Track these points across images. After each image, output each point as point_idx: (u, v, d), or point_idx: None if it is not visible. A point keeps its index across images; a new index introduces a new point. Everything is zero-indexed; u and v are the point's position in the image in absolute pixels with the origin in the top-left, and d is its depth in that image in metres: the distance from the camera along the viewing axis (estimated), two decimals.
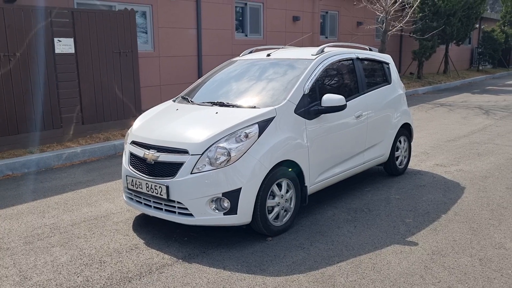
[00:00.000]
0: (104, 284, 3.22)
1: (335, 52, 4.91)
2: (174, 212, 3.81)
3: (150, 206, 3.97)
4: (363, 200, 4.90)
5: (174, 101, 4.93)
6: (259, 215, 3.78)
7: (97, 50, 7.59)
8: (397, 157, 5.73)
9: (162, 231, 4.11)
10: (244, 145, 3.74)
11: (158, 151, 3.87)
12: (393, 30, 13.73)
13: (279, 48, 5.54)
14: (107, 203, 4.89)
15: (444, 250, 3.68)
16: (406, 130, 5.86)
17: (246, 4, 12.53)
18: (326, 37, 15.80)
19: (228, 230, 4.10)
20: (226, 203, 3.69)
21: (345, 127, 4.71)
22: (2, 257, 3.67)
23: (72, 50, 7.27)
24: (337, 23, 16.21)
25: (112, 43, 7.77)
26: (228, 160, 3.67)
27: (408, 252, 3.66)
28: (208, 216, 3.70)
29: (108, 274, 3.37)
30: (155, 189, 3.81)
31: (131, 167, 4.10)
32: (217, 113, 4.16)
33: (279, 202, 3.97)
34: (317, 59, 4.64)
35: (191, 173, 3.68)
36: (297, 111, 4.16)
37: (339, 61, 4.92)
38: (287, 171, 4.01)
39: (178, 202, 3.74)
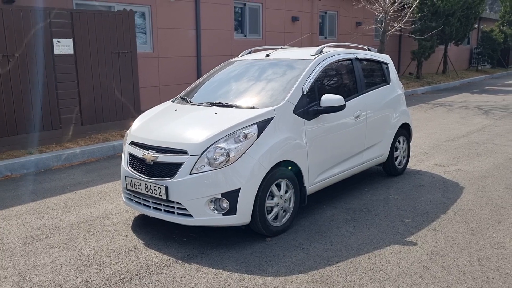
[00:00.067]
0: (103, 285, 3.22)
1: (334, 53, 4.91)
2: (173, 212, 3.81)
3: (149, 206, 3.97)
4: (362, 200, 4.90)
5: (173, 101, 4.93)
6: (258, 215, 3.78)
7: (96, 51, 7.59)
8: (396, 157, 5.74)
9: (161, 232, 4.11)
10: (243, 146, 3.74)
11: (157, 152, 3.87)
12: (392, 30, 13.74)
13: (278, 49, 5.55)
14: (106, 204, 4.89)
15: (443, 250, 3.69)
16: (405, 130, 5.86)
17: (245, 4, 12.54)
18: (325, 37, 15.80)
19: (227, 230, 4.10)
20: (225, 204, 3.69)
21: (344, 127, 4.72)
22: (1, 258, 3.67)
23: (71, 51, 7.27)
24: (336, 23, 16.22)
25: (111, 43, 7.77)
26: (227, 161, 3.67)
27: (407, 252, 3.66)
28: (207, 216, 3.70)
29: (107, 274, 3.37)
30: (154, 189, 3.81)
31: (130, 167, 4.10)
32: (216, 113, 4.16)
33: (278, 203, 3.97)
34: (316, 59, 4.64)
35: (190, 174, 3.68)
36: (296, 111, 4.16)
37: (338, 61, 4.92)
38: (286, 171, 4.02)
39: (177, 203, 3.74)
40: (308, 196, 4.38)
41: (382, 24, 13.88)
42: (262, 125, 3.90)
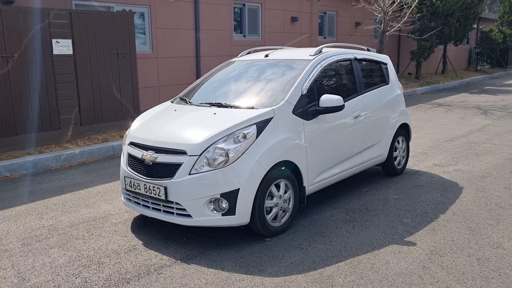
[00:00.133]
0: (102, 285, 3.22)
1: (333, 53, 4.91)
2: (173, 213, 3.81)
3: (149, 207, 3.98)
4: (361, 200, 4.90)
5: (172, 102, 4.93)
6: (257, 215, 3.79)
7: (95, 51, 7.59)
8: (395, 157, 5.74)
9: (160, 232, 4.11)
10: (242, 146, 3.74)
11: (156, 152, 3.87)
12: (391, 30, 13.75)
13: (277, 49, 5.55)
14: (105, 204, 4.89)
15: (442, 250, 3.69)
16: (404, 130, 5.87)
17: (244, 4, 12.54)
18: (325, 38, 15.81)
19: (227, 231, 4.10)
20: (225, 204, 3.70)
21: (343, 127, 4.72)
22: (0, 258, 3.66)
23: (70, 51, 7.27)
24: (335, 24, 16.22)
25: (110, 44, 7.77)
26: (226, 161, 3.67)
27: (406, 252, 3.66)
28: (206, 217, 3.70)
29: (107, 275, 3.37)
30: (153, 190, 3.81)
31: (129, 168, 4.10)
32: (215, 114, 4.16)
33: (277, 203, 3.97)
34: (315, 59, 4.64)
35: (189, 174, 3.68)
36: (295, 111, 4.17)
37: (337, 61, 4.93)
38: (285, 171, 4.02)
39: (176, 203, 3.74)
40: (308, 196, 4.38)
41: (381, 24, 13.89)
42: (261, 126, 3.90)
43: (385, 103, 5.46)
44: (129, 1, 9.57)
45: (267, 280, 3.27)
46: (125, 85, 8.08)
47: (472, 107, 11.94)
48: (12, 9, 6.71)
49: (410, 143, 6.20)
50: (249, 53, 5.64)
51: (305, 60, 4.66)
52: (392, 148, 5.61)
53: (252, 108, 4.16)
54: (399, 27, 13.70)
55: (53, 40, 7.04)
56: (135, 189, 3.99)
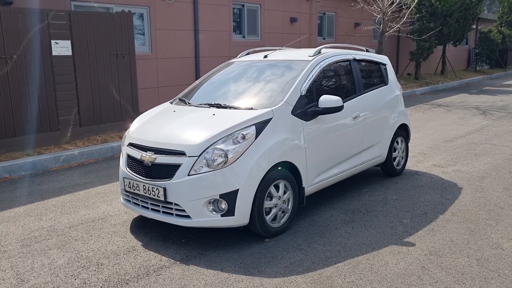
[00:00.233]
0: (101, 287, 3.22)
1: (332, 53, 4.92)
2: (172, 214, 3.80)
3: (148, 208, 3.97)
4: (360, 201, 4.90)
5: (171, 103, 4.93)
6: (256, 216, 3.78)
7: (94, 52, 7.59)
8: (395, 158, 5.74)
9: (159, 233, 4.10)
10: (241, 147, 3.74)
11: (155, 153, 3.87)
12: (391, 31, 13.76)
13: (276, 50, 5.55)
14: (104, 205, 4.89)
15: (442, 250, 3.69)
16: (403, 131, 5.87)
17: (243, 5, 12.55)
18: (324, 38, 15.82)
19: (226, 231, 4.10)
20: (224, 205, 3.69)
21: (342, 128, 4.72)
22: None
23: (69, 52, 7.27)
24: (334, 24, 16.23)
25: (109, 45, 7.77)
26: (225, 162, 3.67)
27: (405, 252, 3.66)
28: (205, 217, 3.70)
29: (106, 276, 3.36)
30: (153, 191, 3.81)
31: (128, 169, 4.10)
32: (214, 114, 4.16)
33: (276, 204, 3.97)
34: (314, 60, 4.64)
35: (188, 175, 3.68)
36: (294, 112, 4.17)
37: (336, 62, 4.93)
38: (284, 172, 4.02)
39: (175, 204, 3.74)
40: (307, 197, 4.38)
41: (380, 25, 13.90)
42: (260, 126, 3.90)
43: (384, 103, 5.46)
44: (128, 2, 9.57)
45: (267, 280, 3.26)
46: (124, 86, 8.08)
47: (471, 108, 11.95)
48: (11, 10, 6.71)
49: (409, 144, 6.20)
50: (248, 53, 5.64)
51: (304, 61, 4.66)
52: (391, 148, 5.61)
53: (251, 109, 4.16)
54: (398, 27, 13.71)
55: (52, 41, 7.04)
56: (134, 190, 3.99)
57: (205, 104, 4.51)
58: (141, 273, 3.41)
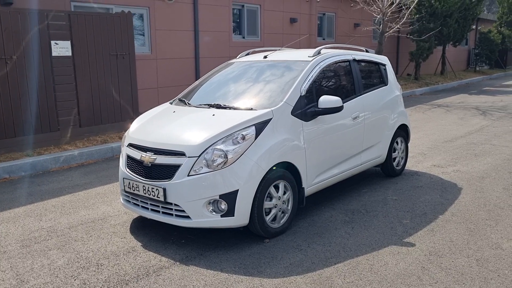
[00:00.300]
0: (101, 287, 3.22)
1: (331, 54, 4.92)
2: (171, 214, 3.80)
3: (147, 208, 3.97)
4: (360, 201, 4.90)
5: (171, 103, 4.93)
6: (256, 217, 3.78)
7: (94, 53, 7.59)
8: (394, 158, 5.74)
9: (159, 234, 4.10)
10: (241, 147, 3.74)
11: (155, 154, 3.87)
12: (390, 31, 13.76)
13: (276, 50, 5.55)
14: (104, 206, 4.88)
15: (441, 250, 3.69)
16: (403, 131, 5.87)
17: (243, 6, 12.55)
18: (324, 39, 15.82)
19: (226, 232, 4.10)
20: (223, 205, 3.69)
21: (342, 128, 4.72)
22: None
23: (69, 53, 7.27)
24: (334, 25, 16.24)
25: (109, 45, 7.77)
26: (225, 162, 3.67)
27: (405, 253, 3.66)
28: (205, 218, 3.70)
29: (105, 277, 3.36)
30: (152, 191, 3.81)
31: (128, 169, 4.10)
32: (214, 115, 4.16)
33: (276, 204, 3.97)
34: (313, 60, 4.65)
35: (188, 176, 3.68)
36: (294, 112, 4.17)
37: (336, 62, 4.93)
38: (284, 172, 4.02)
39: (175, 205, 3.74)
40: (307, 198, 4.38)
41: (380, 26, 13.91)
42: (260, 127, 3.90)
43: (384, 104, 5.46)
44: (128, 2, 9.57)
45: (266, 281, 3.26)
46: (124, 86, 8.08)
47: (471, 108, 11.95)
48: (11, 10, 6.71)
49: (409, 144, 6.20)
50: (248, 54, 5.64)
51: (304, 61, 4.66)
52: (391, 149, 5.61)
53: (251, 109, 4.16)
54: (398, 28, 13.71)
55: (52, 42, 7.05)
56: (134, 190, 3.99)
57: (205, 104, 4.51)
58: (140, 273, 3.41)
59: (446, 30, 17.71)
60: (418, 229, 4.12)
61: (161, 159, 3.81)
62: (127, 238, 4.04)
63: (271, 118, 3.99)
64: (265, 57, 5.10)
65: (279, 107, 4.10)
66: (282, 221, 4.06)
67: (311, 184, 4.37)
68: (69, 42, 7.24)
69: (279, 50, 5.59)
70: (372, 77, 5.55)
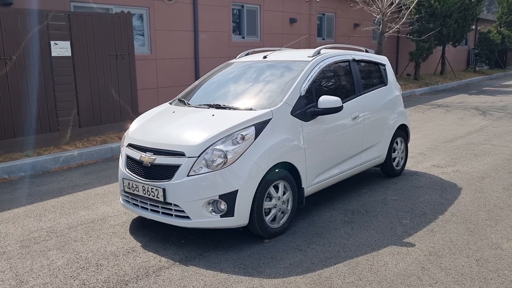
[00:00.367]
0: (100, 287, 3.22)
1: (331, 54, 4.92)
2: (171, 214, 3.80)
3: (147, 209, 3.97)
4: (360, 201, 4.90)
5: (170, 103, 4.92)
6: (256, 217, 3.78)
7: (94, 53, 7.59)
8: (394, 158, 5.74)
9: (159, 234, 4.10)
10: (240, 147, 3.74)
11: (154, 154, 3.86)
12: (390, 31, 13.76)
13: (275, 50, 5.55)
14: (104, 206, 4.88)
15: (441, 251, 3.69)
16: (403, 131, 5.87)
17: (243, 6, 12.55)
18: (323, 39, 15.82)
19: (225, 232, 4.10)
20: (223, 206, 3.69)
21: (342, 128, 4.72)
22: None
23: (69, 53, 7.27)
24: (334, 25, 16.24)
25: (109, 46, 7.77)
26: (224, 162, 3.67)
27: (405, 253, 3.66)
28: (205, 218, 3.70)
29: (105, 277, 3.36)
30: (152, 191, 3.80)
31: (127, 170, 4.10)
32: (213, 115, 4.16)
33: (276, 204, 3.96)
34: (313, 61, 4.64)
35: (187, 176, 3.67)
36: (293, 113, 4.17)
37: (335, 62, 4.93)
38: (284, 173, 4.02)
39: (175, 205, 3.73)
40: (306, 198, 4.38)
41: (379, 26, 13.91)
42: (260, 127, 3.90)
43: (384, 104, 5.46)
44: (127, 2, 9.57)
45: (266, 281, 3.26)
46: (123, 86, 8.08)
47: (471, 108, 11.95)
48: (11, 11, 6.71)
49: (408, 144, 6.20)
50: (247, 54, 5.64)
51: (304, 62, 4.66)
52: (391, 149, 5.61)
53: (251, 109, 4.16)
54: (397, 28, 13.71)
55: (52, 42, 7.04)
56: (133, 191, 3.98)
57: (204, 104, 4.51)
58: (140, 274, 3.41)
59: (445, 30, 17.72)
60: (418, 229, 4.12)
61: (161, 159, 3.81)
62: (126, 239, 4.03)
63: (271, 118, 3.99)
64: (265, 57, 5.10)
65: (278, 107, 4.10)
66: (282, 221, 4.06)
67: (310, 184, 4.37)
68: (68, 42, 7.24)
69: (278, 50, 5.59)
70: (371, 77, 5.55)
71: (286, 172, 4.05)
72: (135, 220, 4.45)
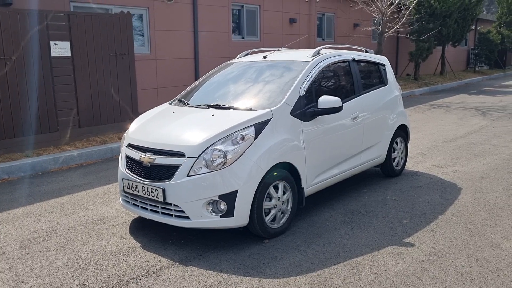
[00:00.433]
0: None
1: (331, 54, 4.92)
2: (171, 215, 3.80)
3: (147, 209, 3.97)
4: (360, 201, 4.90)
5: (170, 103, 4.92)
6: (256, 217, 3.78)
7: (94, 53, 7.59)
8: (394, 159, 5.74)
9: (159, 234, 4.10)
10: (240, 147, 3.74)
11: (154, 154, 3.86)
12: (390, 31, 13.76)
13: (275, 50, 5.55)
14: (103, 207, 4.88)
15: (441, 251, 3.69)
16: (402, 132, 5.87)
17: (242, 6, 12.55)
18: (323, 39, 15.82)
19: (225, 232, 4.09)
20: (223, 206, 3.69)
21: (341, 128, 4.72)
22: None
23: (69, 53, 7.27)
24: (333, 25, 16.24)
25: (108, 46, 7.77)
26: (224, 163, 3.67)
27: (405, 253, 3.66)
28: (204, 218, 3.70)
29: (105, 277, 3.36)
30: (152, 192, 3.80)
31: (127, 170, 4.10)
32: (213, 115, 4.16)
33: (276, 204, 3.96)
34: (313, 61, 4.64)
35: (187, 176, 3.67)
36: (293, 113, 4.17)
37: (335, 63, 4.93)
38: (283, 173, 4.01)
39: (174, 205, 3.73)
40: (306, 198, 4.37)
41: (379, 26, 13.91)
42: (260, 127, 3.89)
43: (384, 104, 5.46)
44: (127, 3, 9.57)
45: (266, 281, 3.26)
46: (123, 87, 8.07)
47: (470, 108, 11.95)
48: (10, 11, 6.71)
49: (408, 144, 6.20)
50: (247, 54, 5.63)
51: (303, 62, 4.66)
52: (391, 149, 5.61)
53: (250, 109, 4.16)
54: (397, 28, 13.72)
55: (51, 42, 7.04)
56: (133, 191, 3.98)
57: (204, 105, 4.51)
58: (140, 274, 3.40)
59: (445, 30, 17.72)
60: (418, 229, 4.12)
61: (161, 160, 3.80)
62: (126, 239, 4.03)
63: (271, 119, 3.99)
64: (265, 57, 5.10)
65: (278, 107, 4.10)
66: (282, 221, 4.06)
67: (310, 184, 4.37)
68: (68, 42, 7.23)
69: (278, 50, 5.59)
70: (371, 77, 5.55)
71: (286, 172, 4.05)
72: (134, 221, 4.45)
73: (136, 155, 4.01)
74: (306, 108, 4.28)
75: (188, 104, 4.69)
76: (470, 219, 4.36)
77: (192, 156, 3.69)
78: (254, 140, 3.81)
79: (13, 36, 6.63)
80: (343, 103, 4.46)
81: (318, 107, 4.29)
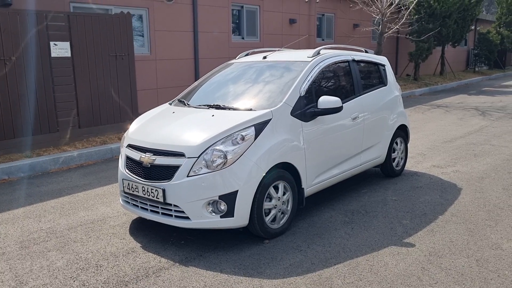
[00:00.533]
0: None
1: (331, 54, 4.92)
2: (171, 215, 3.80)
3: (147, 209, 3.96)
4: (360, 201, 4.90)
5: (170, 104, 4.92)
6: (256, 217, 3.78)
7: (94, 54, 7.59)
8: (394, 159, 5.74)
9: (159, 235, 4.09)
10: (240, 148, 3.74)
11: (154, 154, 3.86)
12: (389, 32, 13.76)
13: (275, 51, 5.55)
14: (103, 207, 4.88)
15: (441, 251, 3.68)
16: (402, 132, 5.87)
17: (242, 7, 12.55)
18: (323, 40, 15.83)
19: (225, 233, 4.09)
20: (223, 206, 3.69)
21: (341, 129, 4.72)
22: None
23: (68, 54, 7.26)
24: (333, 26, 16.24)
25: (108, 46, 7.77)
26: (224, 163, 3.67)
27: (405, 253, 3.66)
28: (204, 219, 3.70)
29: (105, 278, 3.35)
30: (152, 192, 3.80)
31: (127, 170, 4.09)
32: (213, 115, 4.16)
33: (276, 205, 3.96)
34: (313, 61, 4.64)
35: (187, 176, 3.67)
36: (293, 113, 4.17)
37: (335, 63, 4.93)
38: (284, 173, 4.01)
39: (174, 205, 3.73)
40: (306, 198, 4.37)
41: (379, 26, 13.91)
42: (260, 127, 3.89)
43: (383, 104, 5.46)
44: (127, 3, 9.57)
45: (266, 282, 3.26)
46: (123, 87, 8.07)
47: (470, 108, 11.96)
48: (10, 11, 6.70)
49: (408, 144, 6.20)
50: (247, 55, 5.63)
51: (303, 62, 4.66)
52: (391, 149, 5.61)
53: (250, 110, 4.16)
54: (397, 28, 13.72)
55: (51, 43, 7.04)
56: (133, 191, 3.98)
57: (204, 105, 4.51)
58: (140, 274, 3.40)
59: (445, 31, 17.73)
60: (418, 230, 4.11)
61: (161, 160, 3.80)
62: (126, 239, 4.03)
63: (271, 119, 3.99)
64: (265, 57, 5.10)
65: (278, 107, 4.10)
66: (282, 221, 4.06)
67: (310, 184, 4.37)
68: (68, 43, 7.23)
69: (278, 50, 5.59)
70: (371, 77, 5.55)
71: (286, 173, 4.05)
72: (134, 221, 4.45)
73: (136, 155, 4.01)
74: (306, 108, 4.28)
75: (188, 104, 4.69)
76: (470, 219, 4.36)
77: (192, 157, 3.69)
78: (254, 140, 3.81)
79: (13, 37, 6.63)
80: (343, 103, 4.46)
81: (318, 107, 4.29)
